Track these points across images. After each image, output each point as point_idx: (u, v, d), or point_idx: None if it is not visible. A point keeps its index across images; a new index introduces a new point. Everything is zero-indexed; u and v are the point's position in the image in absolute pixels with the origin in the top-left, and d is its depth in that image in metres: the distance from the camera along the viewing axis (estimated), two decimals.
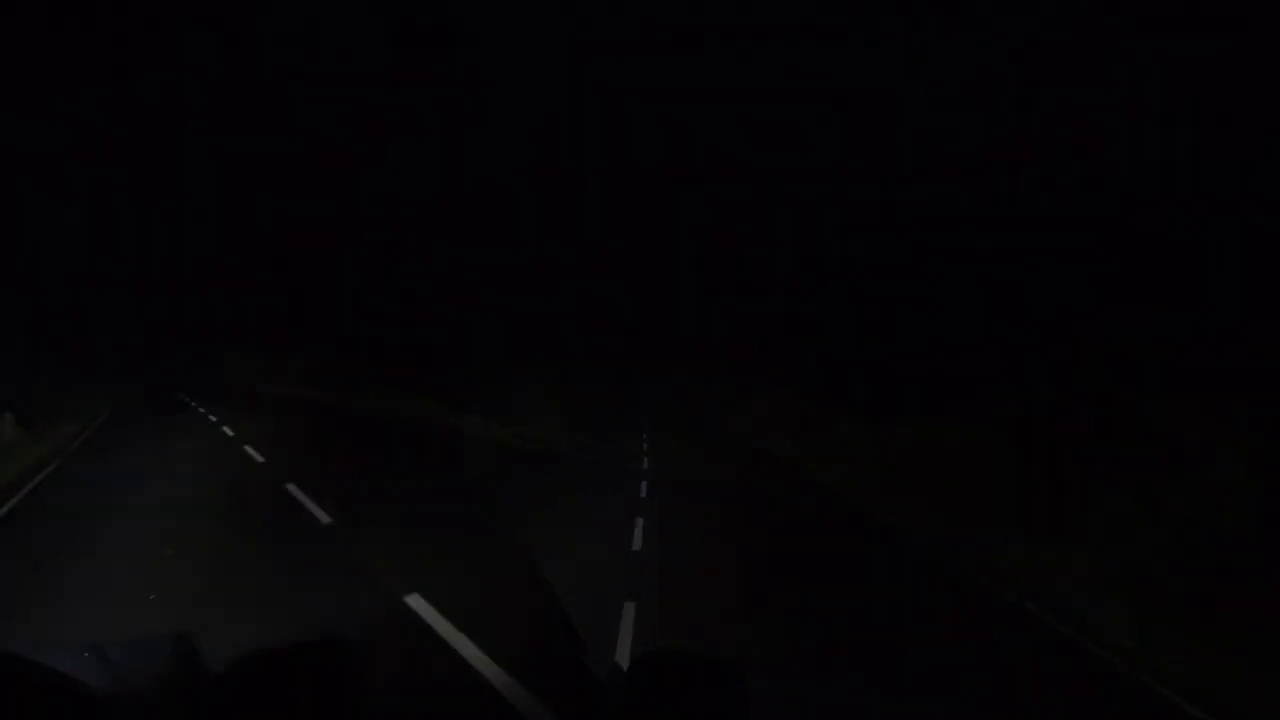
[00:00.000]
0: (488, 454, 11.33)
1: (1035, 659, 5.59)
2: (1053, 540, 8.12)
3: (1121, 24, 16.83)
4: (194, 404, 23.03)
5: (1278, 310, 9.07)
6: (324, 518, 7.04)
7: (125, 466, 12.50)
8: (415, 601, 4.67)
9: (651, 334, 26.43)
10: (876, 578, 7.20)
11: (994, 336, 12.74)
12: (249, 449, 12.31)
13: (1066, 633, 6.05)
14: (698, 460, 11.02)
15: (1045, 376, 11.24)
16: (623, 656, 3.93)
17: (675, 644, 1.26)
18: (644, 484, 9.01)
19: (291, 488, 8.69)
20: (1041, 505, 9.12)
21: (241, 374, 47.28)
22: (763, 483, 10.47)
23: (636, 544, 6.65)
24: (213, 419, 19.49)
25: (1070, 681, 5.27)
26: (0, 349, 21.81)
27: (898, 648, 5.13)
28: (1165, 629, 6.08)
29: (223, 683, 1.04)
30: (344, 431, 14.36)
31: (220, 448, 13.05)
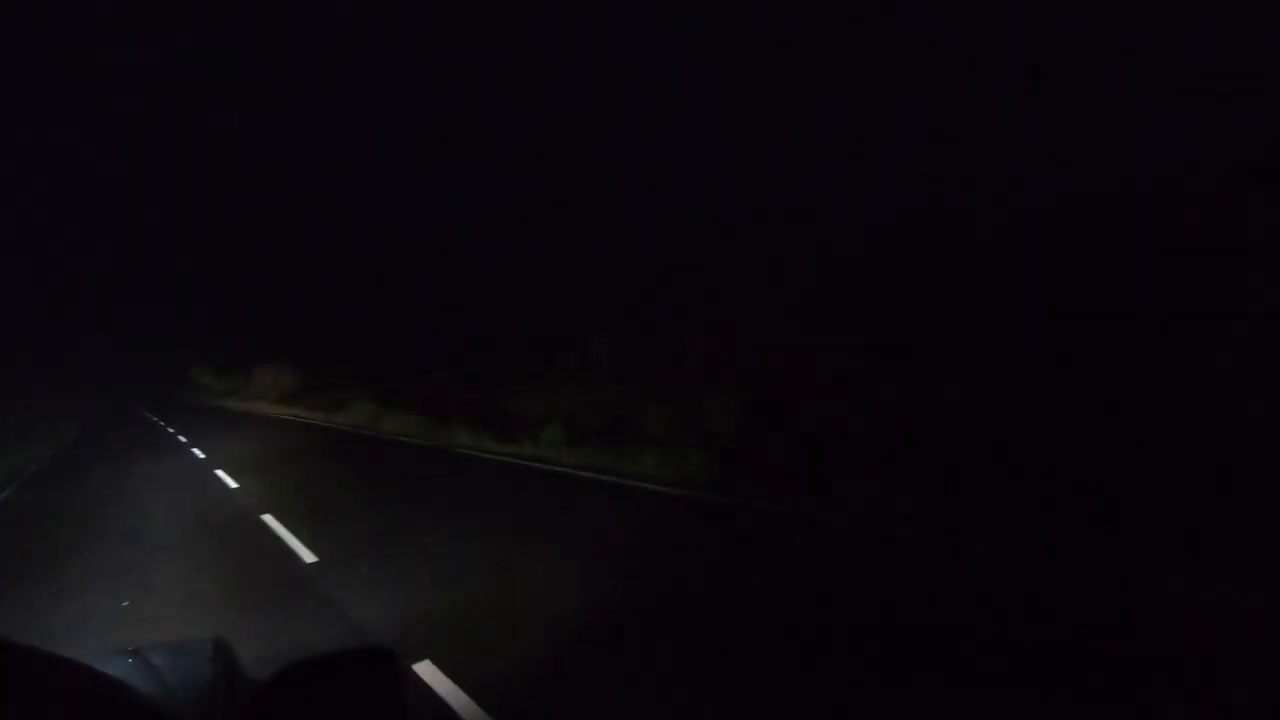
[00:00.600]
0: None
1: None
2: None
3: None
4: (162, 423, 21.71)
5: None
6: (307, 555, 6.05)
7: (86, 494, 11.35)
8: (430, 673, 3.69)
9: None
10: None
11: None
12: (221, 474, 11.21)
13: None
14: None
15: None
16: None
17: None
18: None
19: (269, 518, 7.66)
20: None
21: (213, 391, 45.64)
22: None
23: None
24: (182, 439, 18.34)
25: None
26: None
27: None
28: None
29: (268, 690, 0.99)
30: (324, 451, 13.25)
31: (189, 472, 11.96)
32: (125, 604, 5.34)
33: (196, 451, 14.93)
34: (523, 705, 3.19)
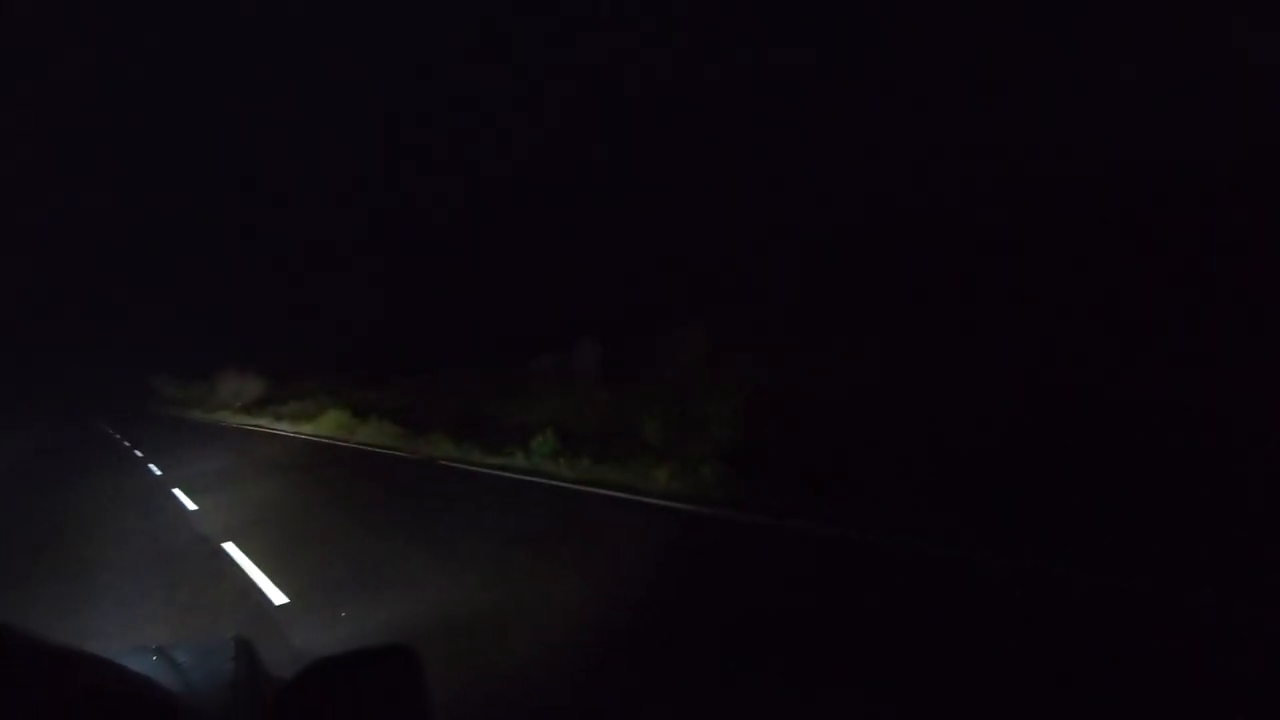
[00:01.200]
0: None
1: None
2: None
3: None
4: (118, 435, 20.31)
5: None
6: (275, 595, 5.14)
7: (25, 521, 10.20)
8: None
9: None
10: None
11: None
12: (179, 493, 10.12)
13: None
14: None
15: None
16: None
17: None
18: None
19: (231, 547, 6.69)
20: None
21: (176, 400, 43.61)
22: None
23: None
24: (138, 454, 17.03)
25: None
26: None
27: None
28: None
29: (292, 689, 0.99)
30: (292, 466, 12.19)
31: (145, 491, 10.83)
32: None
33: (153, 468, 13.73)
34: None
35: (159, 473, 12.90)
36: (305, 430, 17.51)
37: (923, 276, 13.31)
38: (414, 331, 30.16)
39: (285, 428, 19.39)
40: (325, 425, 16.95)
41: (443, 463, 10.65)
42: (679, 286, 19.75)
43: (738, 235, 20.89)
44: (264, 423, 22.12)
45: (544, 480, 8.41)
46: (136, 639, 4.56)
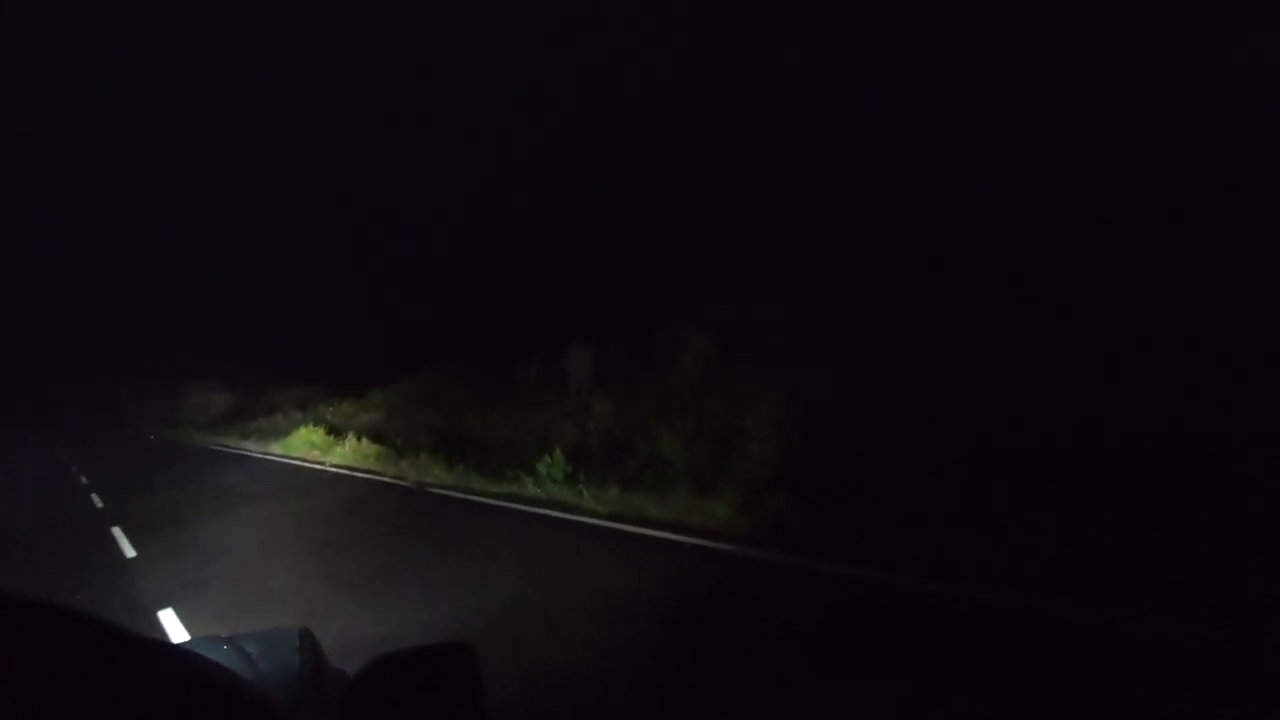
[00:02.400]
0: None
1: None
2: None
3: None
4: (65, 456, 18.19)
5: None
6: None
7: None
8: None
9: None
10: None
11: None
12: (119, 534, 8.36)
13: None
14: None
15: None
16: None
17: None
18: None
19: (169, 619, 5.03)
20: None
21: (139, 414, 40.84)
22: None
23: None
24: (83, 480, 14.96)
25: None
26: None
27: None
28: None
29: (359, 683, 1.01)
30: (259, 496, 10.42)
31: (80, 529, 9.03)
32: None
33: (95, 498, 11.84)
34: None
35: (100, 504, 11.05)
36: (274, 450, 15.64)
37: (942, 274, 12.02)
38: (393, 337, 28.29)
39: (252, 447, 17.47)
40: (297, 444, 15.13)
41: (435, 490, 9.01)
42: (679, 287, 18.31)
43: (739, 234, 19.52)
44: (231, 441, 20.07)
45: (569, 516, 6.82)
46: None
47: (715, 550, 5.24)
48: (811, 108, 21.40)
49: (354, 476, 10.96)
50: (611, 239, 22.55)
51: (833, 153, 19.19)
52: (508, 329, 25.04)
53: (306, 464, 13.08)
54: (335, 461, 12.59)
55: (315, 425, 16.14)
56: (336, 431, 17.08)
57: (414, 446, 14.43)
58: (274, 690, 1.17)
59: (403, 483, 9.84)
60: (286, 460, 13.98)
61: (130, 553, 7.40)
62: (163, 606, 5.30)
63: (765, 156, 21.42)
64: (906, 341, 10.31)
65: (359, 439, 13.19)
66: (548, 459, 8.87)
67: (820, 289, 13.38)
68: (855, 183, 17.64)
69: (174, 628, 4.84)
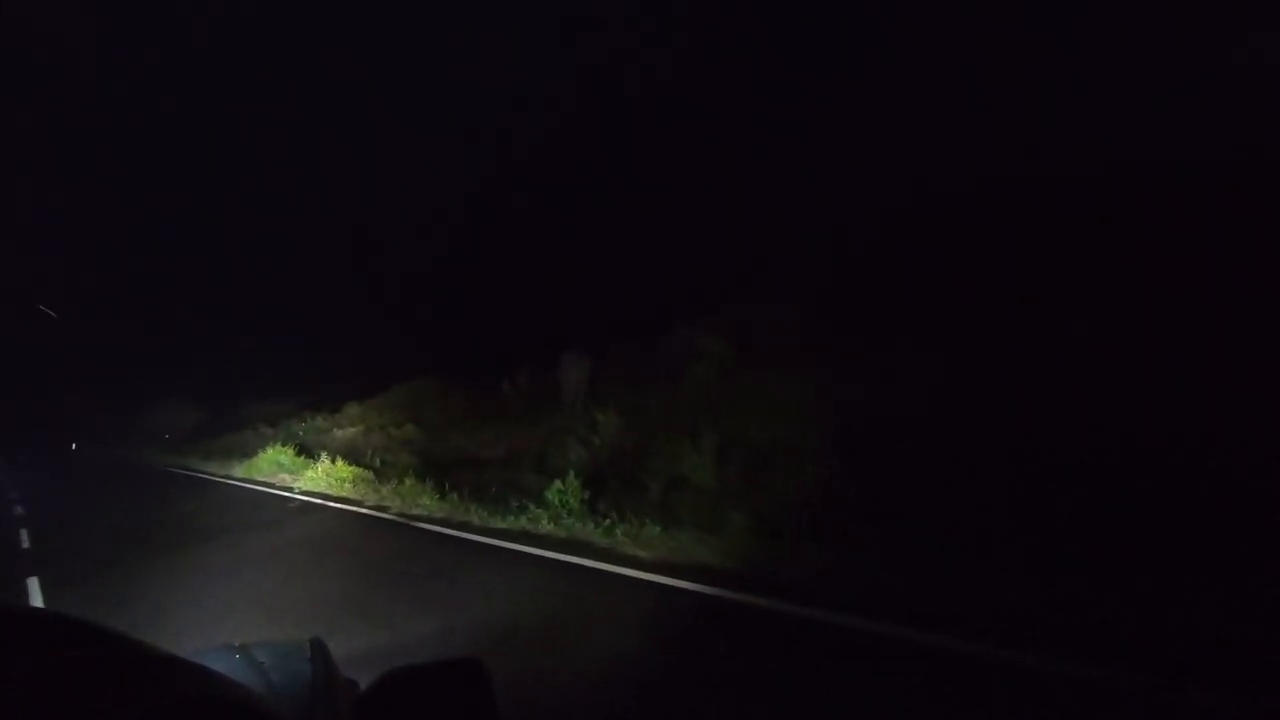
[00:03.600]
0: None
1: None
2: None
3: None
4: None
5: None
6: None
7: None
8: None
9: None
10: None
11: None
12: (34, 587, 6.67)
13: None
14: None
15: None
16: None
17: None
18: None
19: None
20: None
21: (102, 434, 38.22)
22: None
23: None
24: (18, 510, 12.97)
25: None
26: None
27: None
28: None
29: (370, 697, 0.98)
30: (220, 529, 8.75)
31: None
32: None
33: (24, 535, 10.01)
34: None
35: (26, 544, 9.26)
36: (238, 474, 13.87)
37: (959, 274, 10.80)
38: (369, 348, 26.48)
39: (215, 469, 15.65)
40: (264, 466, 13.40)
41: (425, 526, 7.44)
42: (682, 290, 16.94)
43: (742, 235, 18.21)
44: (193, 463, 18.13)
45: (608, 567, 5.26)
46: None
47: (870, 634, 3.68)
48: (813, 107, 20.27)
49: (327, 506, 9.33)
50: (607, 241, 21.12)
51: (836, 152, 18.05)
52: (494, 338, 23.43)
53: (273, 490, 11.38)
54: (306, 487, 10.93)
55: (284, 444, 14.42)
56: (308, 451, 15.38)
57: (395, 467, 12.83)
58: (286, 701, 1.16)
59: (385, 515, 8.26)
60: (250, 486, 12.24)
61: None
62: None
63: (767, 156, 20.22)
64: (933, 344, 9.03)
65: (333, 460, 11.55)
66: (558, 485, 7.39)
67: (842, 290, 12.06)
68: (862, 181, 16.48)
69: None
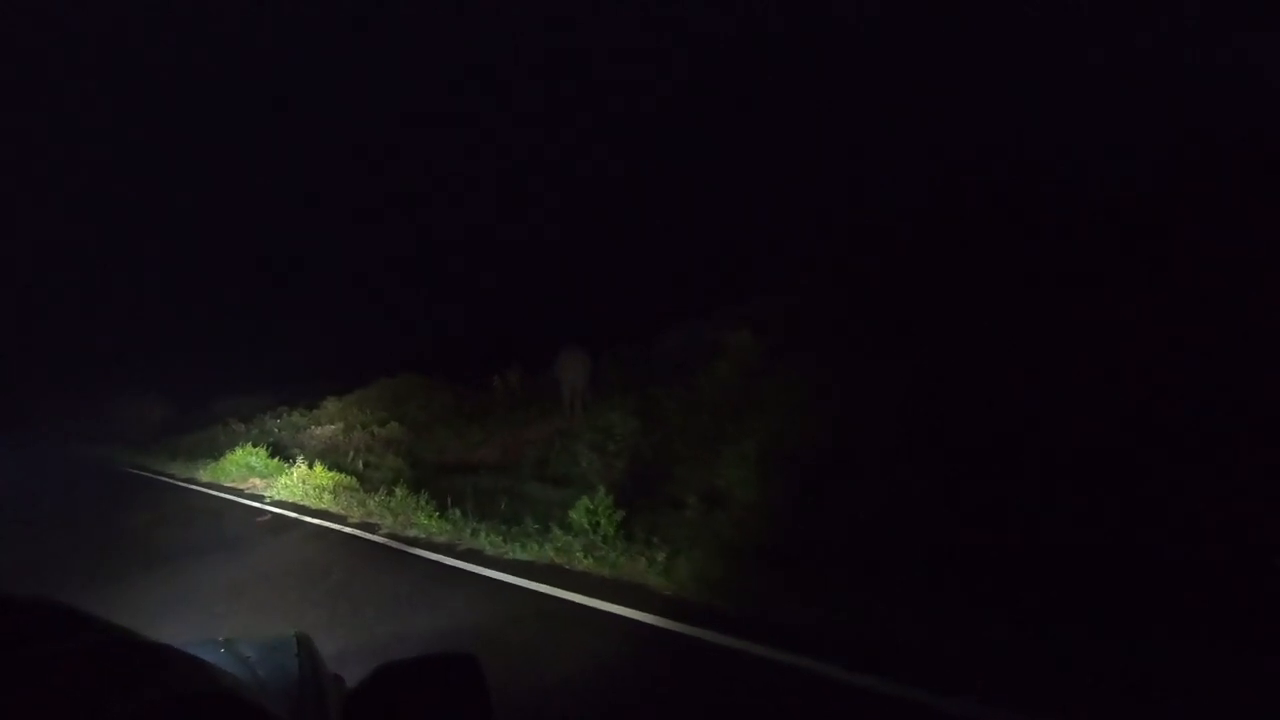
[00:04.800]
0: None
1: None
2: None
3: None
4: None
5: None
6: None
7: None
8: None
9: None
10: None
11: None
12: None
13: None
14: None
15: None
16: None
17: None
18: None
19: None
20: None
21: (61, 429, 35.48)
22: None
23: None
24: None
25: None
26: None
27: None
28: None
29: (364, 692, 0.97)
30: (160, 561, 7.18)
31: None
32: None
33: None
34: None
35: None
36: (202, 477, 12.20)
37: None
38: (349, 341, 24.79)
39: (179, 470, 13.91)
40: (232, 469, 11.76)
41: (428, 555, 5.97)
42: (689, 282, 15.65)
43: (755, 223, 16.95)
44: (156, 463, 16.25)
45: (705, 636, 3.82)
46: None
47: None
48: (825, 103, 19.18)
49: (303, 521, 7.80)
50: (603, 236, 19.77)
51: (858, 143, 16.95)
52: (480, 332, 21.93)
53: (241, 499, 9.79)
54: (279, 496, 9.37)
55: (256, 445, 12.77)
56: (284, 450, 13.74)
57: (381, 470, 11.31)
58: (273, 697, 1.10)
59: (374, 536, 6.77)
60: (216, 492, 10.61)
61: None
62: None
63: (776, 148, 19.05)
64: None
65: (310, 465, 9.99)
66: (586, 503, 5.98)
67: (884, 277, 10.76)
68: (908, 164, 15.33)
69: None
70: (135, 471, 14.88)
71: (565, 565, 5.08)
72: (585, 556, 5.06)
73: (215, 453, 13.44)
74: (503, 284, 23.11)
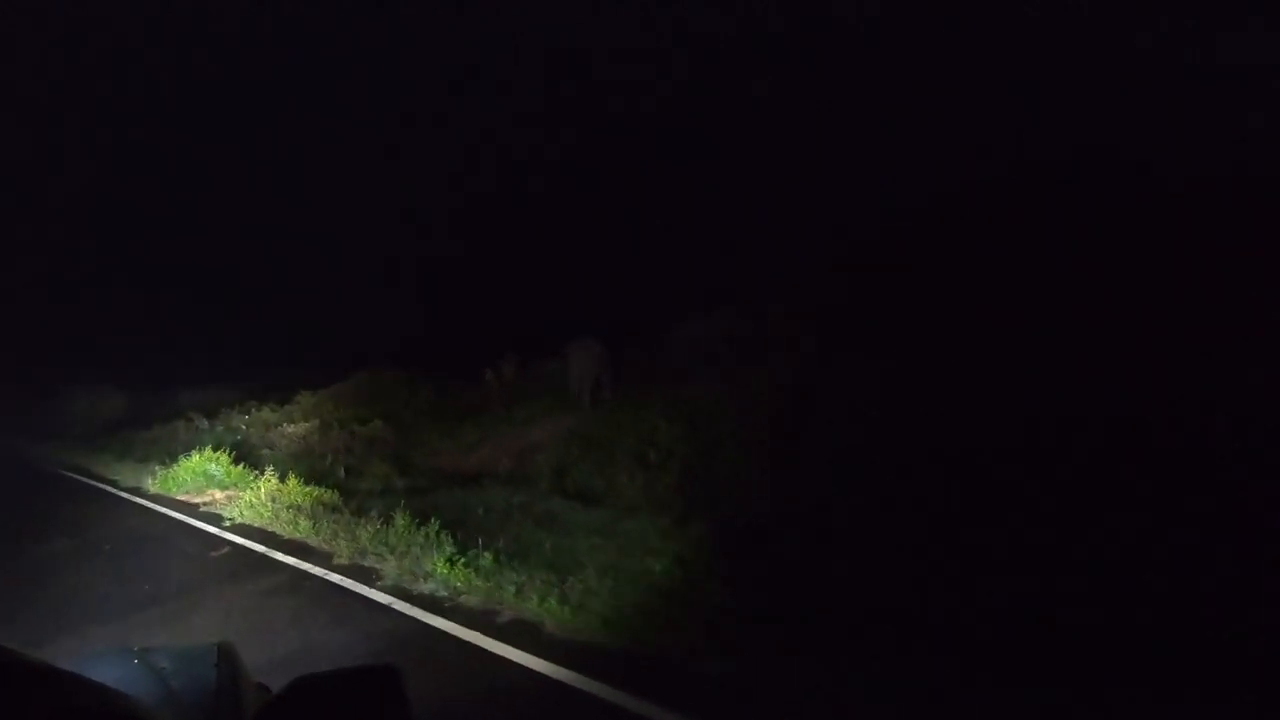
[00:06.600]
0: None
1: None
2: None
3: None
4: None
5: None
6: None
7: None
8: None
9: None
10: None
11: None
12: None
13: None
14: None
15: None
16: None
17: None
18: None
19: None
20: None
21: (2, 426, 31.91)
22: None
23: None
24: None
25: None
26: None
27: None
28: None
29: (277, 704, 0.89)
30: (89, 626, 5.06)
31: None
32: None
33: None
34: None
35: None
36: (151, 487, 9.90)
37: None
38: (327, 330, 22.52)
39: (128, 475, 11.53)
40: (186, 477, 9.51)
41: (463, 634, 4.00)
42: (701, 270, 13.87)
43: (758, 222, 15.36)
44: (101, 464, 13.72)
45: None
46: None
47: None
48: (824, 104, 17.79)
49: (272, 560, 5.72)
50: (597, 227, 18.10)
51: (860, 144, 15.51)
52: (464, 325, 19.85)
53: (193, 519, 7.63)
54: (242, 517, 7.23)
55: (219, 446, 10.55)
56: (251, 452, 11.54)
57: (366, 477, 9.26)
58: (188, 708, 1.05)
59: (375, 593, 4.74)
60: (163, 509, 8.40)
61: None
62: None
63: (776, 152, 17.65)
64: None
65: (282, 477, 7.88)
66: (671, 550, 4.08)
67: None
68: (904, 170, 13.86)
69: None
70: (70, 475, 12.43)
71: (681, 661, 3.16)
72: (711, 644, 3.16)
73: (172, 453, 11.15)
74: (494, 279, 21.20)
